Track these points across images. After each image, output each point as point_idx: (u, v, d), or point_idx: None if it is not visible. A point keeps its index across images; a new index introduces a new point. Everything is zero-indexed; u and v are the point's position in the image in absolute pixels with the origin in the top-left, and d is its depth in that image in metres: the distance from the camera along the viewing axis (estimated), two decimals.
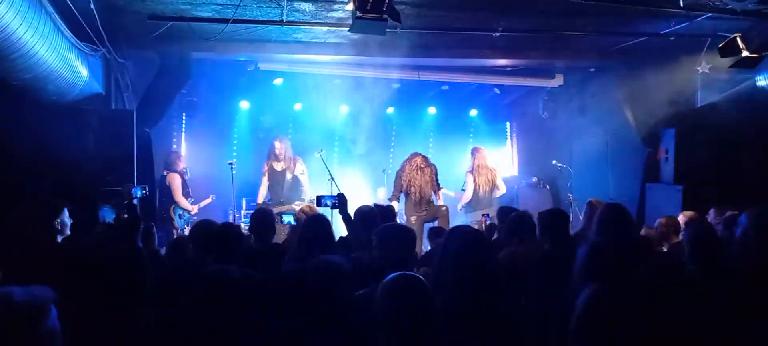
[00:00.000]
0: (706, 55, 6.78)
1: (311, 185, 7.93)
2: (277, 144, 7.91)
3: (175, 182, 7.44)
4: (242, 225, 8.42)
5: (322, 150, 7.23)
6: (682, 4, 5.29)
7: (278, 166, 7.85)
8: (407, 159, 7.31)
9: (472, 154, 7.81)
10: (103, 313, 2.39)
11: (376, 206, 4.77)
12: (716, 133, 6.73)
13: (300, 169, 7.86)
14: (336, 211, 4.55)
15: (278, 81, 8.74)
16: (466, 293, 2.34)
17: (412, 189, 7.08)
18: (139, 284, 2.62)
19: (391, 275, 2.20)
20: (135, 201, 4.99)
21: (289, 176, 7.83)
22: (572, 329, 1.92)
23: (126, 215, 3.05)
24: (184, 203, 7.50)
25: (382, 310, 2.12)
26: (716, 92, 7.16)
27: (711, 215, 4.87)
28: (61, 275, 2.56)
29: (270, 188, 7.83)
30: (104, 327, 2.34)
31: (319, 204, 5.01)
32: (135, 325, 2.40)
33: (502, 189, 7.81)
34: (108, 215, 3.15)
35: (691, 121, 7.07)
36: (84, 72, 5.38)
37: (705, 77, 7.04)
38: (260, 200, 7.72)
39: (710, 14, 5.57)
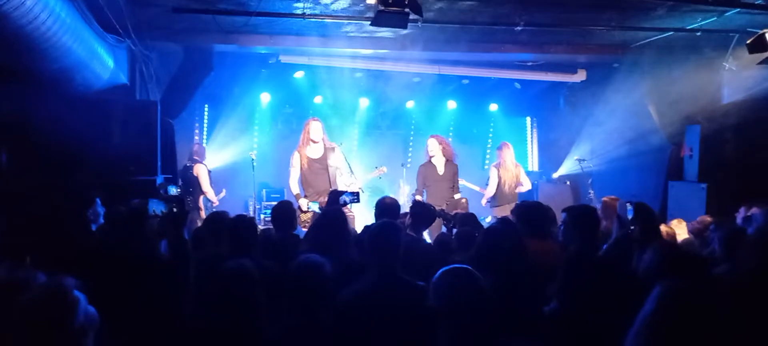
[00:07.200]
0: (733, 51, 6.64)
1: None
2: (313, 124, 6.51)
3: (203, 173, 7.57)
4: (263, 216, 8.54)
5: (341, 143, 7.25)
6: None
7: (315, 154, 6.50)
8: (426, 150, 7.21)
9: (499, 149, 7.77)
10: (143, 304, 2.44)
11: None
12: (743, 130, 6.61)
13: (338, 158, 6.60)
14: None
15: (299, 74, 8.78)
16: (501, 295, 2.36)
17: (431, 187, 7.07)
18: (181, 276, 2.68)
19: (444, 269, 2.21)
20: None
21: (331, 162, 6.47)
22: (643, 326, 1.83)
23: (175, 209, 3.11)
24: (211, 193, 7.63)
25: (439, 303, 2.13)
26: (743, 90, 7.02)
27: (741, 213, 4.77)
28: (101, 266, 2.62)
29: (304, 181, 6.45)
30: (144, 318, 2.39)
31: (336, 202, 4.99)
32: (176, 316, 2.45)
33: (526, 185, 7.77)
34: (158, 207, 3.21)
35: (716, 119, 6.95)
36: (110, 63, 5.48)
37: (731, 74, 6.90)
38: (296, 190, 6.44)
39: (739, 9, 5.47)
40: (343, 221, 3.59)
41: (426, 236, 5.36)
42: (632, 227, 2.91)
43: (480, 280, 2.16)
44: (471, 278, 2.16)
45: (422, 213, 4.41)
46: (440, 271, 2.21)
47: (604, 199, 4.85)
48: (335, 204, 4.42)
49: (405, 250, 2.91)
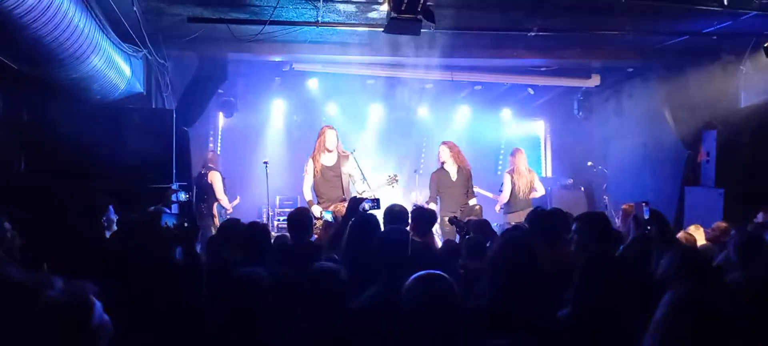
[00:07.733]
0: (750, 55, 6.56)
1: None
2: (328, 132, 6.63)
3: (218, 180, 7.64)
4: (276, 223, 8.59)
5: (354, 150, 7.26)
6: (725, 2, 5.15)
7: (329, 161, 6.60)
8: (438, 156, 7.22)
9: (512, 155, 7.73)
10: (155, 313, 2.47)
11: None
12: (760, 135, 6.51)
13: (351, 166, 6.69)
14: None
15: (312, 81, 8.84)
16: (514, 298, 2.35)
17: (444, 193, 7.05)
18: (194, 289, 2.71)
19: (416, 274, 2.21)
20: (174, 207, 5.14)
21: (344, 170, 6.56)
22: (654, 331, 1.81)
23: (186, 223, 3.13)
24: (225, 200, 7.69)
25: (407, 309, 2.13)
26: (760, 93, 6.93)
27: (759, 218, 4.70)
28: (114, 272, 2.65)
29: (317, 188, 6.56)
30: (156, 325, 2.41)
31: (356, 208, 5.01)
32: (189, 324, 2.48)
33: (540, 191, 7.71)
34: (170, 220, 3.23)
35: (733, 123, 6.85)
36: (127, 72, 5.56)
37: (748, 78, 6.82)
38: (309, 197, 6.56)
39: (755, 12, 5.40)
40: (377, 227, 3.60)
41: (438, 241, 5.34)
42: (649, 228, 2.89)
43: (451, 285, 2.16)
44: (442, 284, 2.16)
45: (421, 216, 4.46)
46: (411, 277, 2.21)
47: (624, 206, 4.83)
48: (355, 211, 4.46)
49: (412, 255, 2.92)
